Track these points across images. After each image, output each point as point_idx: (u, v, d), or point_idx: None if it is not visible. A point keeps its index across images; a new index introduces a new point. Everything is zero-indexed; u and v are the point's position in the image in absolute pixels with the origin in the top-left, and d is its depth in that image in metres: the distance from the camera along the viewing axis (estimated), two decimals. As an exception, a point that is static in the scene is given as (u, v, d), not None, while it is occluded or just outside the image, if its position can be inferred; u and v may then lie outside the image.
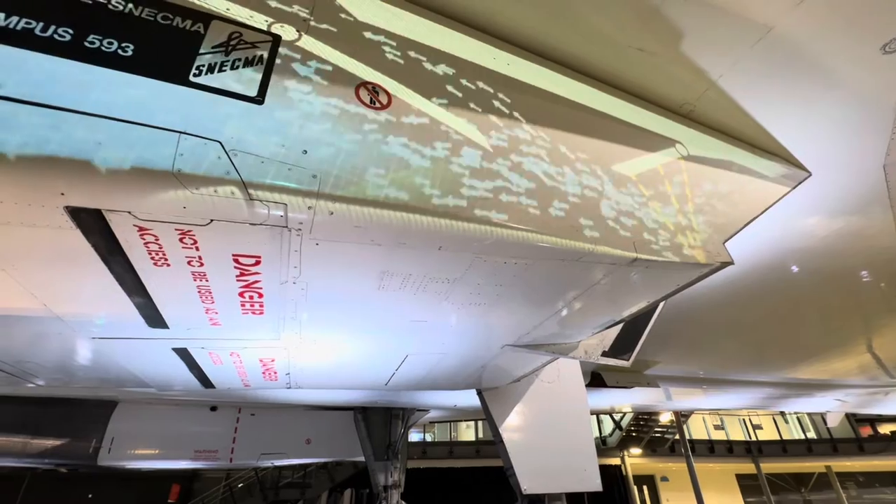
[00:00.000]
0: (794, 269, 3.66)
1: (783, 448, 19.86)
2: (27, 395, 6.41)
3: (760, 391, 8.99)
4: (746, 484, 20.13)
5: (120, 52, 1.25)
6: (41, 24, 1.20)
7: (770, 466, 19.54)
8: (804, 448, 19.88)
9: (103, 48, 1.24)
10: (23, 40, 1.17)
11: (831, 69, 1.98)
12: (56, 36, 1.21)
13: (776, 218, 2.64)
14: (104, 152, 1.13)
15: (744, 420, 21.37)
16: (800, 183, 2.50)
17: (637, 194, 1.96)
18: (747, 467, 19.61)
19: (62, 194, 1.16)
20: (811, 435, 21.47)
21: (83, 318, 1.93)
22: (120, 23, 1.30)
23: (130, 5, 1.34)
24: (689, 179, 2.16)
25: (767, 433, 21.14)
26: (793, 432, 22.11)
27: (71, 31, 1.23)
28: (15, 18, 1.19)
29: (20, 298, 1.66)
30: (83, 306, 1.82)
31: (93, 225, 1.29)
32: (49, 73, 1.16)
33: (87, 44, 1.23)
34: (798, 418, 22.25)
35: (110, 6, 1.31)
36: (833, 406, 11.39)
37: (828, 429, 19.85)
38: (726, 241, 2.13)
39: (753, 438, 20.47)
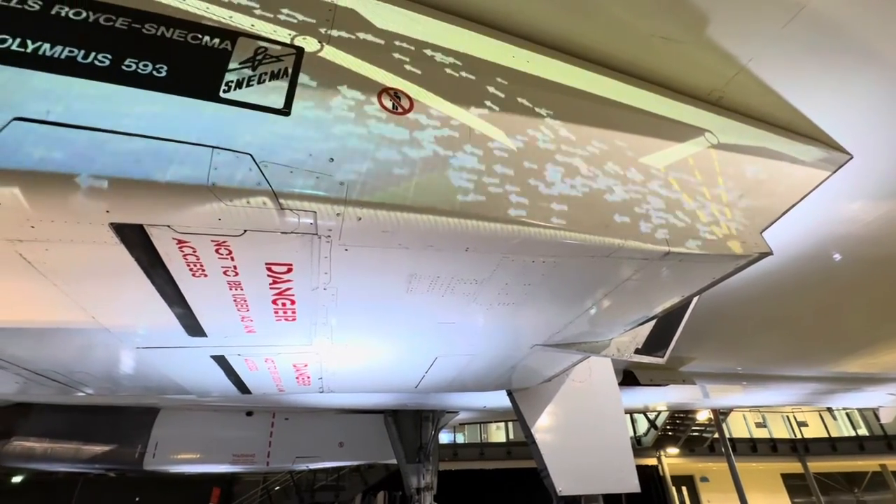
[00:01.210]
0: (837, 257, 3.48)
1: (832, 446, 18.87)
2: (77, 404, 6.75)
3: (804, 387, 8.57)
4: (793, 484, 19.22)
5: (155, 73, 1.31)
6: (82, 52, 1.27)
7: (818, 465, 18.60)
8: (855, 446, 18.82)
9: (139, 71, 1.30)
10: (67, 68, 1.24)
11: (870, 44, 1.88)
12: (96, 62, 1.27)
13: (817, 204, 2.52)
14: (144, 170, 1.19)
15: (788, 417, 20.43)
16: (840, 166, 2.37)
17: (667, 186, 1.91)
18: (793, 466, 18.72)
19: (107, 211, 1.22)
20: (862, 432, 20.30)
21: (128, 329, 2.03)
22: (153, 46, 1.36)
23: (162, 28, 1.40)
24: (720, 168, 2.09)
25: (814, 430, 20.13)
26: (842, 429, 20.97)
27: (109, 57, 1.29)
28: (59, 48, 1.26)
29: (71, 312, 1.75)
30: (128, 318, 1.91)
31: (135, 239, 1.35)
32: (91, 98, 1.23)
33: (124, 67, 1.29)
34: (847, 414, 21.09)
35: (144, 30, 1.38)
36: (885, 401, 10.75)
37: (881, 425, 18.74)
38: (764, 230, 2.05)
39: (799, 436, 19.53)
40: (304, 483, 15.85)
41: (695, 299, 2.99)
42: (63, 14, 1.33)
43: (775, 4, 1.75)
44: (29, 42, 1.24)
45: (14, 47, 1.23)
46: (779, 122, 2.29)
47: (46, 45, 1.25)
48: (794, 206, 2.22)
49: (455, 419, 8.83)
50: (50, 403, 6.77)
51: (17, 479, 14.67)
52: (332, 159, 1.38)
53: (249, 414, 7.84)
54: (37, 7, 1.31)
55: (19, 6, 1.29)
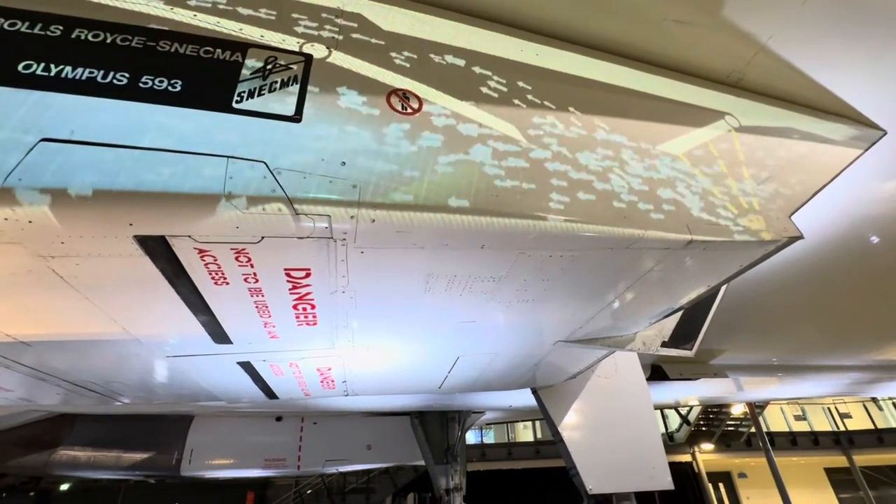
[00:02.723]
0: (874, 239, 3.31)
1: (878, 438, 17.96)
2: (116, 413, 7.03)
3: (845, 376, 8.20)
4: (838, 478, 18.39)
5: (170, 88, 1.35)
6: (101, 72, 1.32)
7: (864, 459, 17.73)
8: (904, 437, 17.90)
9: (155, 87, 1.34)
10: (88, 89, 1.29)
11: (899, 14, 1.78)
12: (115, 81, 1.32)
13: (849, 185, 2.41)
14: (164, 182, 1.22)
15: (829, 409, 19.57)
16: (874, 143, 2.26)
17: (687, 172, 1.85)
18: (838, 460, 17.91)
19: (130, 225, 1.26)
20: (912, 422, 19.29)
21: (157, 339, 2.09)
22: (168, 62, 1.40)
23: (175, 44, 1.44)
24: (743, 151, 2.02)
25: (858, 422, 19.21)
26: (889, 420, 19.96)
27: (127, 76, 1.34)
28: (80, 70, 1.31)
29: (103, 324, 1.82)
30: (156, 327, 1.97)
31: (159, 250, 1.39)
32: (112, 115, 1.27)
33: (141, 85, 1.33)
34: (894, 404, 20.06)
35: (158, 48, 1.42)
36: (935, 389, 10.18)
37: (932, 414, 17.77)
38: (793, 213, 1.96)
39: (842, 429, 18.68)
40: (335, 486, 16.07)
41: (723, 289, 2.90)
42: (83, 38, 1.38)
43: (794, -23, 1.68)
44: (52, 66, 1.29)
45: (39, 72, 1.28)
46: (804, 101, 2.20)
47: (68, 68, 1.30)
48: (824, 187, 2.13)
49: (481, 419, 8.80)
50: (91, 414, 7.07)
51: (64, 486, 15.35)
52: (344, 163, 1.39)
53: (279, 419, 8.01)
54: (58, 32, 1.36)
55: (42, 32, 1.34)
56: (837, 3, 1.75)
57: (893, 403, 20.00)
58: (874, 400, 19.55)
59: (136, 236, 1.31)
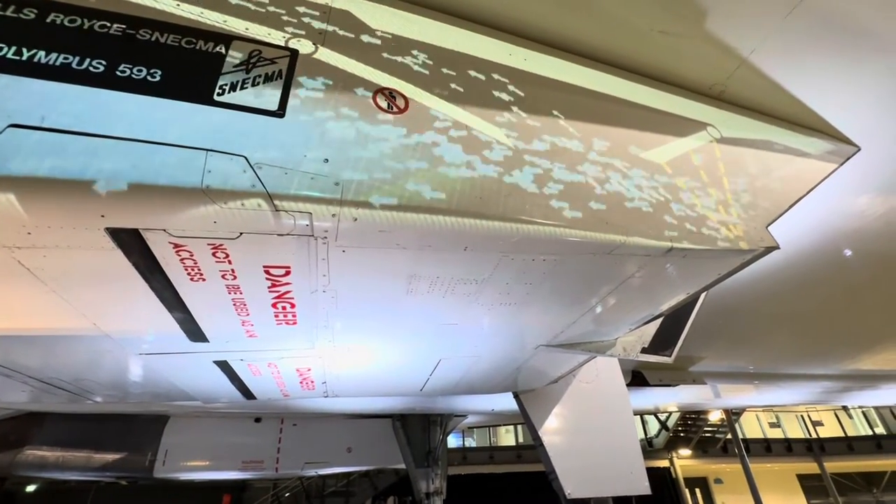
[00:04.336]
0: (848, 252, 3.41)
1: (849, 445, 18.49)
2: (87, 412, 6.81)
3: (818, 385, 8.41)
4: (810, 485, 18.86)
5: (149, 78, 1.32)
6: (77, 59, 1.28)
7: (835, 465, 18.23)
8: (873, 445, 18.43)
9: (133, 76, 1.30)
10: (62, 75, 1.25)
11: (874, 34, 1.84)
12: (91, 68, 1.28)
13: (824, 198, 2.47)
14: (138, 174, 1.19)
15: (802, 416, 20.07)
16: (848, 158, 2.33)
17: (668, 181, 1.88)
18: (809, 467, 18.37)
19: (102, 216, 1.22)
20: (880, 431, 19.90)
21: (130, 335, 2.03)
22: (148, 51, 1.36)
23: (157, 34, 1.40)
24: (724, 162, 2.05)
25: (830, 430, 19.76)
26: (858, 428, 20.57)
27: (104, 63, 1.30)
28: (54, 55, 1.27)
29: (72, 319, 1.76)
30: (129, 323, 1.91)
31: (132, 244, 1.35)
32: (86, 103, 1.23)
33: (118, 73, 1.29)
34: (864, 413, 20.68)
35: (138, 36, 1.38)
36: (903, 398, 10.53)
37: (899, 423, 18.37)
38: (769, 224, 2.01)
39: (814, 436, 19.17)
40: (314, 489, 15.84)
41: (702, 296, 2.95)
42: (58, 22, 1.33)
43: (775, -6, 1.72)
44: (24, 50, 1.25)
45: (10, 55, 1.23)
46: (782, 115, 2.25)
47: (42, 53, 1.26)
48: (799, 199, 2.18)
49: (463, 423, 8.78)
50: (62, 413, 6.84)
51: (31, 487, 14.81)
52: (327, 160, 1.37)
53: (258, 420, 7.86)
54: (32, 16, 1.31)
55: (15, 15, 1.30)
56: (816, 22, 1.79)
57: (863, 412, 20.62)
58: (845, 408, 20.15)
59: (108, 228, 1.27)
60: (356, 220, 1.36)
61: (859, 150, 2.32)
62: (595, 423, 4.65)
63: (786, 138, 2.22)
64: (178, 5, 1.48)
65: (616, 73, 2.11)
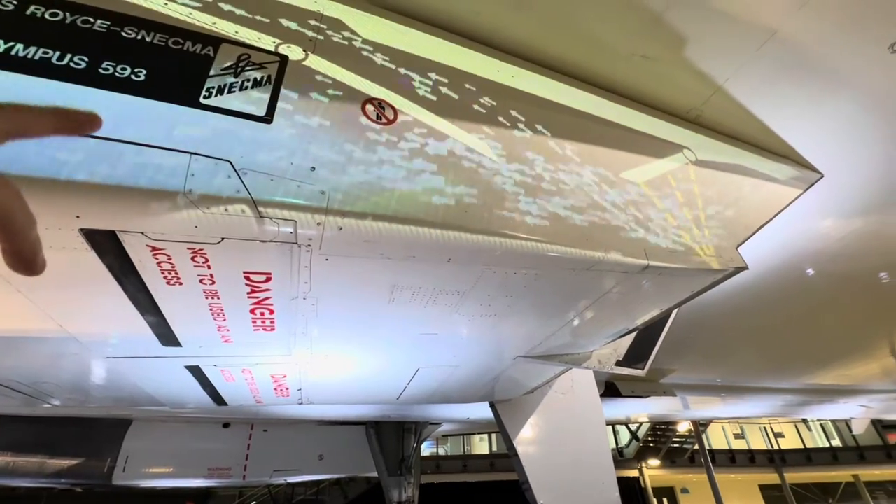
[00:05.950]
0: (810, 272, 3.59)
1: (807, 457, 19.26)
2: (43, 416, 6.47)
3: (780, 398, 8.76)
4: (770, 494, 19.54)
5: (133, 77, 1.28)
6: (58, 54, 1.24)
7: (794, 476, 18.94)
8: (829, 456, 19.26)
9: (117, 74, 1.27)
10: (40, 69, 1.21)
11: (839, 70, 1.96)
12: (72, 64, 1.24)
13: (791, 221, 2.60)
14: (118, 175, 1.15)
15: (765, 428, 20.81)
16: (812, 185, 2.46)
17: (646, 201, 1.94)
18: (771, 477, 19.03)
19: (77, 217, 1.18)
20: (836, 443, 20.81)
21: (98, 338, 1.95)
22: (133, 49, 1.33)
23: (143, 32, 1.38)
24: (699, 184, 2.14)
25: (790, 442, 20.56)
26: (817, 440, 21.46)
27: (86, 59, 1.26)
28: (33, 49, 1.23)
29: (36, 320, 1.68)
30: (98, 326, 1.84)
31: (107, 246, 1.31)
32: (66, 100, 1.19)
33: (101, 70, 1.26)
34: (822, 425, 21.59)
35: (123, 34, 1.35)
36: (857, 412, 11.05)
37: (853, 436, 19.23)
38: (739, 245, 2.10)
39: (776, 447, 19.89)
40: (283, 497, 15.43)
41: (674, 312, 3.04)
42: (39, 14, 1.29)
43: (749, 28, 1.81)
44: (1, 42, 1.20)
45: (-15, 47, 1.19)
46: (753, 141, 2.37)
47: (20, 46, 1.22)
48: (768, 222, 2.29)
49: (438, 431, 8.74)
50: (12, 415, 6.47)
51: (-25, 495, 13.90)
52: (314, 168, 1.37)
53: (226, 426, 7.61)
54: (10, 7, 1.27)
55: (-8, 5, 1.25)
56: (785, 55, 1.90)
57: (821, 425, 21.51)
58: (804, 421, 20.99)
59: (82, 229, 1.23)
60: (341, 228, 1.36)
61: (822, 176, 2.46)
62: (569, 434, 4.71)
63: (756, 163, 2.33)
64: (166, 4, 1.46)
65: (600, 94, 2.17)
